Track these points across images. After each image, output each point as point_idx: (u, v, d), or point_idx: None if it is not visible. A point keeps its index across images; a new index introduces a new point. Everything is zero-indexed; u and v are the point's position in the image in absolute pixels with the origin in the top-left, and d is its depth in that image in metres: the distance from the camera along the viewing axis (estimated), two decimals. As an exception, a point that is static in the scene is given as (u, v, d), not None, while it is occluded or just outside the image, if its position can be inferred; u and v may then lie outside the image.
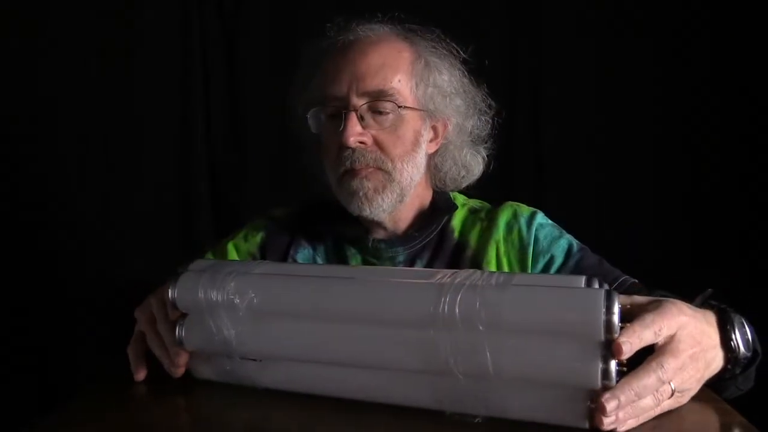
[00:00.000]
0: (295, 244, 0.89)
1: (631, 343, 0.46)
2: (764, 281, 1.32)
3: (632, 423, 0.48)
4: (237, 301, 0.55)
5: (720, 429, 0.51)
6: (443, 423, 0.49)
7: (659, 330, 0.49)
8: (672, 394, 0.49)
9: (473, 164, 0.89)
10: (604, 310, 0.44)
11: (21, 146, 1.51)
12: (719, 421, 0.51)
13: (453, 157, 0.88)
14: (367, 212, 0.81)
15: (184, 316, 0.59)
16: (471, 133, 0.88)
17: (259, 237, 0.90)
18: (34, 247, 1.52)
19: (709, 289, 0.53)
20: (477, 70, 0.88)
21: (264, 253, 0.89)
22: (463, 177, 0.89)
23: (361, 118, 0.79)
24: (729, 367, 0.55)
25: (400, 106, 0.80)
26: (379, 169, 0.80)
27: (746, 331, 0.57)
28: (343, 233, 0.88)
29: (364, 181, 0.80)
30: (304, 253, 0.89)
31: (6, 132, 1.51)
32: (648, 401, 0.48)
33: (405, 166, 0.82)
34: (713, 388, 0.57)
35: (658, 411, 0.49)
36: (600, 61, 1.43)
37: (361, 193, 0.80)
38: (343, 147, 0.79)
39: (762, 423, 0.48)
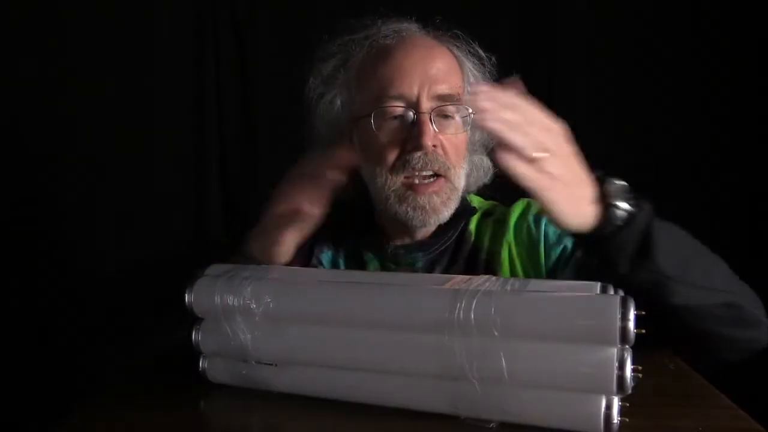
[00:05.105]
0: (319, 244, 0.89)
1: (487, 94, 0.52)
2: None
3: (498, 127, 0.51)
4: (253, 306, 0.55)
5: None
6: (458, 428, 0.50)
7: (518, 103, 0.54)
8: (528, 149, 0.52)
9: (487, 169, 0.90)
10: (619, 316, 0.44)
11: (34, 145, 1.53)
12: (732, 427, 0.51)
13: (475, 163, 0.88)
14: (430, 224, 0.80)
15: (200, 320, 0.60)
16: (491, 140, 0.88)
17: None
18: (40, 244, 1.53)
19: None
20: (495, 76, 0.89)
21: None
22: (479, 180, 0.90)
23: (431, 121, 0.78)
24: (608, 219, 0.59)
25: (472, 113, 0.80)
26: (445, 176, 0.79)
27: (630, 195, 0.60)
28: (361, 239, 0.88)
29: (434, 196, 0.78)
30: (328, 254, 0.89)
31: (22, 132, 1.52)
32: (510, 115, 0.52)
33: (460, 172, 0.82)
34: (607, 259, 0.60)
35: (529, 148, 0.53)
36: (613, 63, 1.43)
37: (428, 207, 0.78)
38: (411, 150, 0.77)
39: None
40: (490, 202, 0.94)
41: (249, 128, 1.56)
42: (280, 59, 1.53)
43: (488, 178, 0.91)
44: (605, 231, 0.59)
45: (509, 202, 0.91)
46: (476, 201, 0.93)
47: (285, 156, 1.51)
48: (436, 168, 0.78)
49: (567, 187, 0.56)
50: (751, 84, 1.39)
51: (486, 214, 0.91)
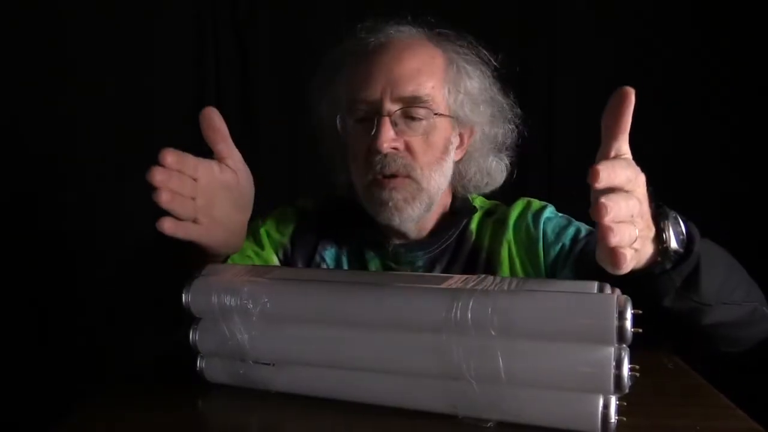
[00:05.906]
0: (322, 242, 0.89)
1: (608, 173, 0.45)
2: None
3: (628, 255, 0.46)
4: (250, 305, 0.55)
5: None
6: (456, 428, 0.49)
7: (633, 176, 0.48)
8: (635, 240, 0.47)
9: (497, 171, 0.89)
10: (616, 315, 0.44)
11: (34, 145, 1.53)
12: (730, 426, 0.51)
13: (478, 164, 0.88)
14: (396, 222, 0.81)
15: (197, 320, 0.60)
16: (496, 140, 0.88)
17: (290, 229, 0.91)
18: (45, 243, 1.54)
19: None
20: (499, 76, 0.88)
21: (294, 245, 0.90)
22: (486, 184, 0.90)
23: (394, 124, 0.78)
24: (659, 259, 0.56)
25: (435, 113, 0.80)
26: (408, 176, 0.79)
27: (681, 228, 0.57)
28: (363, 237, 0.88)
29: (393, 192, 0.79)
30: (331, 251, 0.89)
31: (22, 132, 1.53)
32: (630, 229, 0.46)
33: (432, 174, 0.81)
34: (652, 292, 0.57)
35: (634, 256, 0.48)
36: (614, 63, 1.43)
37: (390, 204, 0.79)
38: (373, 152, 0.78)
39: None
40: (492, 202, 0.94)
41: (249, 128, 1.56)
42: (280, 59, 1.53)
43: (500, 183, 0.91)
44: (655, 270, 0.58)
45: (510, 202, 0.91)
46: (478, 201, 0.94)
47: (285, 156, 1.53)
48: (395, 169, 0.79)
49: (642, 240, 0.52)
50: (751, 84, 1.39)
51: (487, 214, 0.91)
